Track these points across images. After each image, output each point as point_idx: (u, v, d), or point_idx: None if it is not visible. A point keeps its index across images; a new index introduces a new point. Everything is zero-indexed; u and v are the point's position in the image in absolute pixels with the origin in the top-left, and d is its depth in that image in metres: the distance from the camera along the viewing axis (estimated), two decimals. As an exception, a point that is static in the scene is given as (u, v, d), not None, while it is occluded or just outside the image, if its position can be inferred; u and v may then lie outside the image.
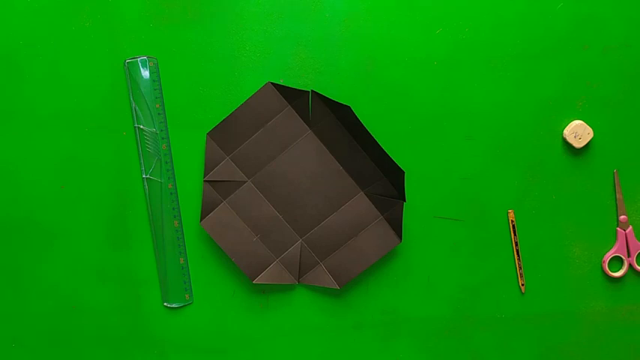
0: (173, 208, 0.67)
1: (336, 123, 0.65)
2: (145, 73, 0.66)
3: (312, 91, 0.64)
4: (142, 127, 0.66)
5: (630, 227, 0.69)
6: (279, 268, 0.67)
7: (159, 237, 0.67)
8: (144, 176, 0.67)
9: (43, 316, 0.68)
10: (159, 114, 0.66)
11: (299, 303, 0.69)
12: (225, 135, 0.66)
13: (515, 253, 0.69)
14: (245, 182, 0.67)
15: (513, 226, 0.68)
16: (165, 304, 0.68)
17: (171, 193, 0.67)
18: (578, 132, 0.67)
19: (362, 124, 0.63)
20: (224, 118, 0.66)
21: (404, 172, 0.63)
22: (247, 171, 0.67)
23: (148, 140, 0.67)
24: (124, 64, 0.66)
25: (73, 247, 0.67)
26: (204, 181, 0.66)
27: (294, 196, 0.67)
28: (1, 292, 0.68)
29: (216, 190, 0.66)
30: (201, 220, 0.65)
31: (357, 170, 0.66)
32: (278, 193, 0.67)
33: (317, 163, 0.67)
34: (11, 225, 0.67)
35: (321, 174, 0.67)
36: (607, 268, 0.69)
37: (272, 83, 0.65)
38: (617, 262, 0.70)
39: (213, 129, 0.65)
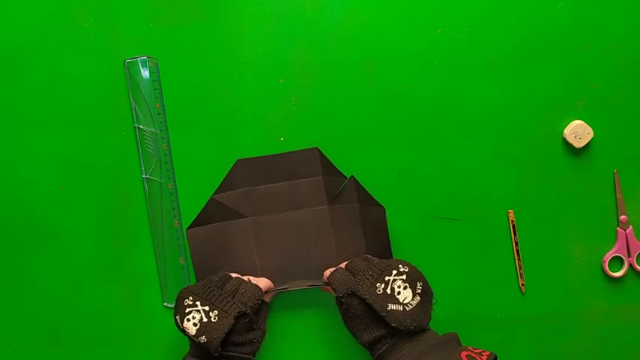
0: (173, 208, 0.67)
1: (355, 215, 0.66)
2: (145, 73, 0.66)
3: (352, 177, 0.66)
4: (142, 127, 0.66)
5: (630, 227, 0.69)
6: None
7: (159, 237, 0.67)
8: (144, 176, 0.67)
9: (43, 316, 0.68)
10: (159, 114, 0.66)
11: (298, 303, 0.69)
12: (253, 169, 0.66)
13: (515, 253, 0.69)
14: (246, 218, 0.66)
15: (513, 226, 0.68)
16: (165, 304, 0.68)
17: (171, 193, 0.67)
18: (578, 132, 0.67)
19: (386, 229, 0.65)
20: (260, 155, 0.66)
21: None
22: (253, 209, 0.66)
23: (148, 140, 0.67)
24: (124, 64, 0.66)
25: (73, 247, 0.67)
26: (213, 197, 0.65)
27: (280, 254, 0.66)
28: (1, 292, 0.68)
29: (218, 211, 0.66)
30: (188, 228, 0.65)
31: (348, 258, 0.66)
32: (267, 243, 0.66)
33: (315, 237, 0.66)
34: (11, 225, 0.67)
35: (314, 249, 0.66)
36: (607, 268, 0.69)
37: (319, 150, 0.66)
38: (617, 262, 0.70)
39: (245, 159, 0.66)
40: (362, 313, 0.56)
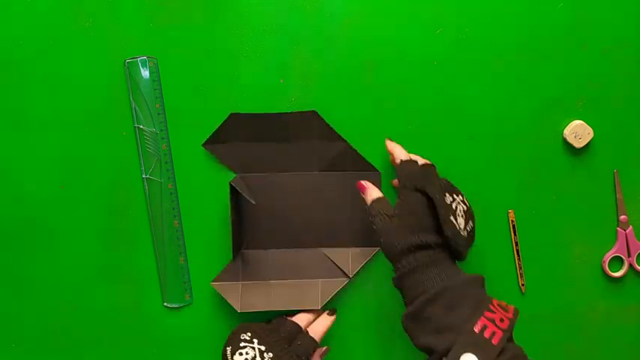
0: (173, 208, 0.67)
1: (347, 182, 0.66)
2: (145, 73, 0.66)
3: (345, 142, 0.66)
4: (142, 127, 0.66)
5: (630, 227, 0.69)
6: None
7: (159, 237, 0.67)
8: (144, 176, 0.67)
9: (43, 316, 0.68)
10: (159, 114, 0.66)
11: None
12: (246, 125, 0.65)
13: (515, 253, 0.69)
14: (234, 174, 0.66)
15: (513, 226, 0.68)
16: (165, 304, 0.68)
17: (171, 193, 0.67)
18: (578, 132, 0.67)
19: None
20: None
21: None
22: (242, 166, 0.66)
23: (148, 140, 0.67)
24: (124, 64, 0.66)
25: (73, 247, 0.67)
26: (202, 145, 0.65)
27: (268, 216, 0.67)
28: (1, 292, 0.68)
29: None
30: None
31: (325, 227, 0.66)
32: (251, 203, 0.66)
33: (305, 202, 0.67)
34: (11, 225, 0.67)
35: (304, 214, 0.67)
36: (607, 268, 0.69)
37: (317, 113, 0.65)
38: (617, 262, 0.70)
39: (239, 114, 0.65)
40: (419, 213, 0.54)
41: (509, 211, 0.68)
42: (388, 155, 0.66)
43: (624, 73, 0.67)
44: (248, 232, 0.67)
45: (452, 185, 0.58)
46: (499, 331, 0.48)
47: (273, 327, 0.61)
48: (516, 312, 0.52)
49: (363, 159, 0.66)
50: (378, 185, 0.65)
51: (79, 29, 0.65)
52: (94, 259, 0.67)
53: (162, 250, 0.67)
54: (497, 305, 0.51)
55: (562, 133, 0.68)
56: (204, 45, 0.66)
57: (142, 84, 0.66)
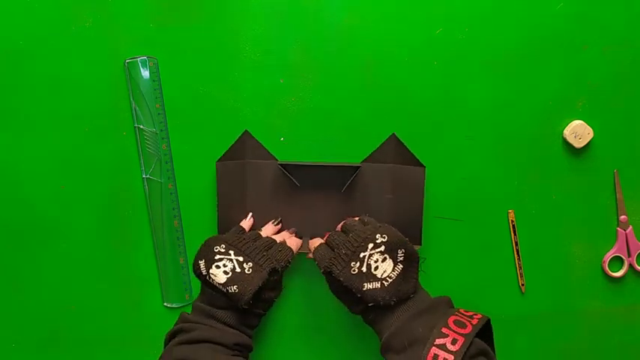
0: (173, 208, 0.67)
1: (388, 175, 0.65)
2: (145, 73, 0.66)
3: (393, 134, 0.65)
4: (142, 127, 0.66)
5: (630, 227, 0.69)
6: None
7: (159, 237, 0.67)
8: (144, 176, 0.67)
9: (43, 316, 0.68)
10: (159, 114, 0.66)
11: (298, 303, 0.69)
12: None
13: (515, 253, 0.69)
14: (275, 161, 0.66)
15: (513, 226, 0.68)
16: (165, 304, 0.68)
17: (171, 193, 0.67)
18: (578, 132, 0.67)
19: (422, 191, 0.63)
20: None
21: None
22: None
23: (148, 140, 0.67)
24: (124, 64, 0.66)
25: (73, 247, 0.67)
26: (246, 131, 0.65)
27: (303, 207, 0.66)
28: (1, 292, 0.68)
29: (251, 147, 0.65)
30: (218, 161, 0.64)
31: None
32: (291, 192, 0.66)
33: (340, 194, 0.66)
34: (11, 224, 0.67)
35: (338, 208, 0.66)
36: (607, 268, 0.69)
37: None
38: (617, 262, 0.70)
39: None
40: (343, 289, 0.55)
41: (509, 211, 0.68)
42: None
43: (624, 73, 0.67)
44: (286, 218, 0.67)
45: (360, 237, 0.55)
46: (450, 355, 0.48)
47: (247, 237, 0.59)
48: (482, 319, 0.52)
49: (409, 151, 0.65)
50: (422, 180, 0.64)
51: (79, 29, 0.65)
52: (94, 259, 0.67)
53: (163, 250, 0.67)
54: (463, 315, 0.52)
55: (562, 133, 0.68)
56: (204, 45, 0.66)
57: (142, 84, 0.66)
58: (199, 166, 0.67)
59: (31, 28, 0.65)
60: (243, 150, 0.65)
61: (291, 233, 0.65)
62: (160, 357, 0.55)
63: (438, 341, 0.49)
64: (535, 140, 0.68)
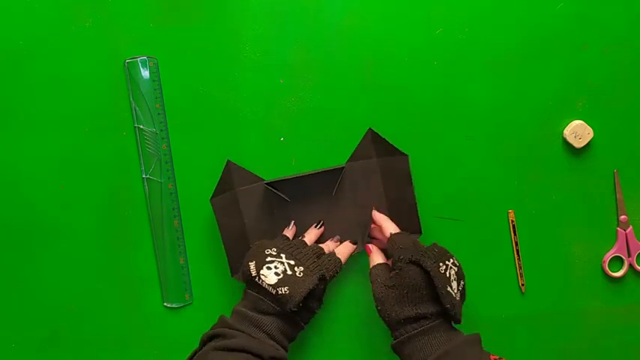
0: (173, 208, 0.67)
1: (375, 169, 0.66)
2: (145, 73, 0.66)
3: (370, 130, 0.65)
4: (142, 127, 0.66)
5: (630, 227, 0.69)
6: None
7: (159, 237, 0.67)
8: (144, 176, 0.67)
9: (43, 316, 0.68)
10: (159, 114, 0.66)
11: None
12: None
13: (515, 253, 0.69)
14: (261, 182, 0.66)
15: (513, 226, 0.68)
16: (165, 304, 0.68)
17: (171, 193, 0.67)
18: (578, 132, 0.67)
19: (410, 179, 0.63)
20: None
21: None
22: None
23: (148, 140, 0.67)
24: (124, 64, 0.66)
25: (73, 247, 0.67)
26: (228, 160, 0.64)
27: (304, 215, 0.66)
28: (1, 292, 0.68)
29: (237, 175, 0.65)
30: (211, 198, 0.63)
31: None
32: (285, 204, 0.66)
33: (334, 195, 0.66)
34: (11, 225, 0.67)
35: (336, 209, 0.66)
36: (607, 268, 0.69)
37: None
38: (617, 262, 0.70)
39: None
40: (415, 285, 0.54)
41: (509, 211, 0.68)
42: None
43: (624, 73, 0.67)
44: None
45: (443, 250, 0.58)
46: None
47: (297, 243, 0.59)
48: None
49: (389, 143, 0.65)
50: (407, 169, 0.64)
51: (79, 29, 0.65)
52: (94, 259, 0.67)
53: (163, 250, 0.67)
54: (498, 357, 0.52)
55: (562, 133, 0.68)
56: (204, 45, 0.66)
57: (142, 84, 0.66)
58: (199, 166, 0.67)
59: (31, 28, 0.65)
60: (231, 180, 0.65)
61: (335, 242, 0.65)
62: (194, 354, 0.54)
63: None
64: (535, 140, 0.68)
